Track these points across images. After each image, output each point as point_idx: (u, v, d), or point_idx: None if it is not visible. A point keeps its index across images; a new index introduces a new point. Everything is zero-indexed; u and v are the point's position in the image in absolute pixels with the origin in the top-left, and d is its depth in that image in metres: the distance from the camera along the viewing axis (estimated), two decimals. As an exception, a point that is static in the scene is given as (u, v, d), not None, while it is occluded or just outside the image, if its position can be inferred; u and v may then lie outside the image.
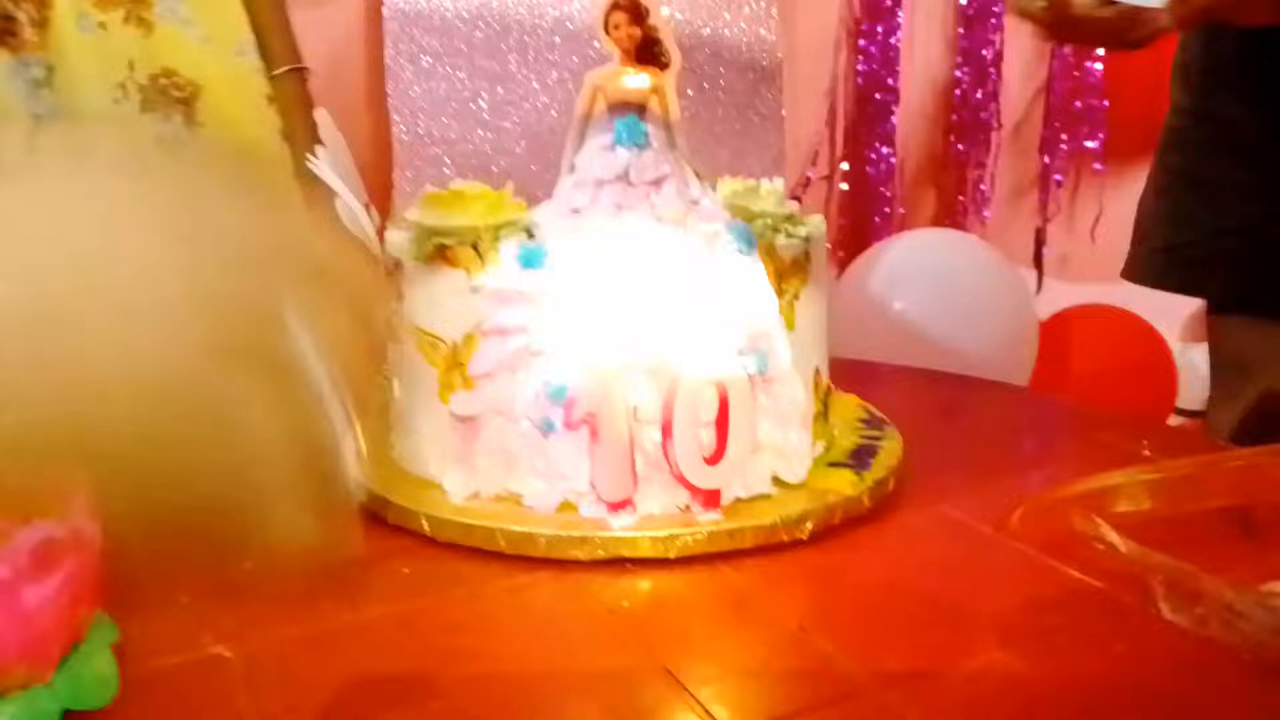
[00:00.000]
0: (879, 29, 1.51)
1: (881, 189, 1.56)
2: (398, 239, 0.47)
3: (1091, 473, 0.48)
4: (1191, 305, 1.78)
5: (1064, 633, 0.36)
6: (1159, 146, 0.78)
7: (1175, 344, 1.67)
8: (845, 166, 1.56)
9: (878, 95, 1.54)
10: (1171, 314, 1.66)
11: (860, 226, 1.56)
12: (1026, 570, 0.41)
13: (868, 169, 1.55)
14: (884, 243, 1.30)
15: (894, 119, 1.54)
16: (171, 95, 0.80)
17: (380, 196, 0.53)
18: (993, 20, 1.55)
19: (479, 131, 0.46)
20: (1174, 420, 1.46)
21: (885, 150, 1.56)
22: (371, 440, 0.52)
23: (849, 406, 0.57)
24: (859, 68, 1.53)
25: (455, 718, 0.32)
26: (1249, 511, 0.45)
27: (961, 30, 1.59)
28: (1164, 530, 0.43)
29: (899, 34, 1.52)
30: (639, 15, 0.42)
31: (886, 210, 1.56)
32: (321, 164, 0.50)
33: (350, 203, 0.49)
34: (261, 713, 0.32)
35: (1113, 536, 0.38)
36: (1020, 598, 0.39)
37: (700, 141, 0.46)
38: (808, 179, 1.56)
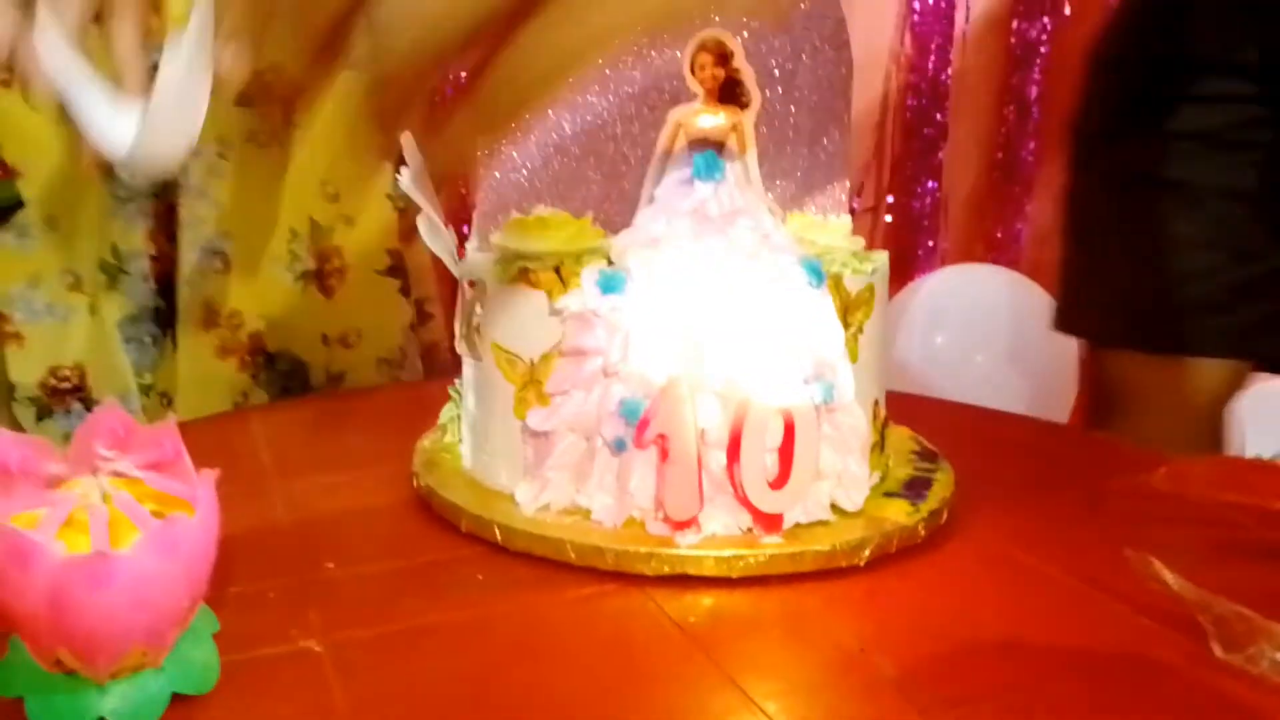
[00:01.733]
0: (930, 64, 1.53)
1: (925, 222, 1.57)
2: (479, 259, 0.49)
3: (1135, 514, 0.49)
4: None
5: (1117, 667, 0.38)
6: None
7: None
8: (891, 200, 1.58)
9: (926, 130, 1.56)
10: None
11: (904, 258, 1.57)
12: (1080, 605, 0.42)
13: (913, 202, 1.57)
14: (926, 276, 1.32)
15: (940, 154, 1.55)
16: None
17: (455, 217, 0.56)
18: (1038, 62, 1.57)
19: (559, 158, 0.49)
20: None
21: (931, 184, 1.57)
22: (440, 450, 0.54)
23: (902, 438, 0.58)
24: (909, 102, 1.55)
25: (536, 711, 0.34)
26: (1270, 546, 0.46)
27: (1009, 70, 1.61)
28: (1211, 569, 0.44)
29: (949, 70, 1.54)
30: (724, 57, 0.44)
31: (930, 243, 1.57)
32: (406, 180, 0.52)
33: (432, 217, 0.52)
34: (353, 703, 0.34)
35: (1167, 575, 0.39)
36: (1073, 632, 0.40)
37: (770, 176, 0.49)
38: (853, 210, 1.58)
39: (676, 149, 0.46)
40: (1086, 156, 0.87)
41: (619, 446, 0.44)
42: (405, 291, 0.82)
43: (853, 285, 0.48)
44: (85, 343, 0.71)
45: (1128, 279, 0.82)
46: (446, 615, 0.40)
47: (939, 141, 1.55)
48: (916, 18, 1.48)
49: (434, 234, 0.51)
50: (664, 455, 0.43)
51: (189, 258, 0.72)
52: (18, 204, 0.70)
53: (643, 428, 0.43)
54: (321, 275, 0.79)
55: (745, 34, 0.47)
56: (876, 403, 0.51)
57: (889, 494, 0.50)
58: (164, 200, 0.73)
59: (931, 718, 0.34)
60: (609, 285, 0.44)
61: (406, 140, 0.56)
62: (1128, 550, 0.42)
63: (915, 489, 0.51)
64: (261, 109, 0.73)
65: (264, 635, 0.38)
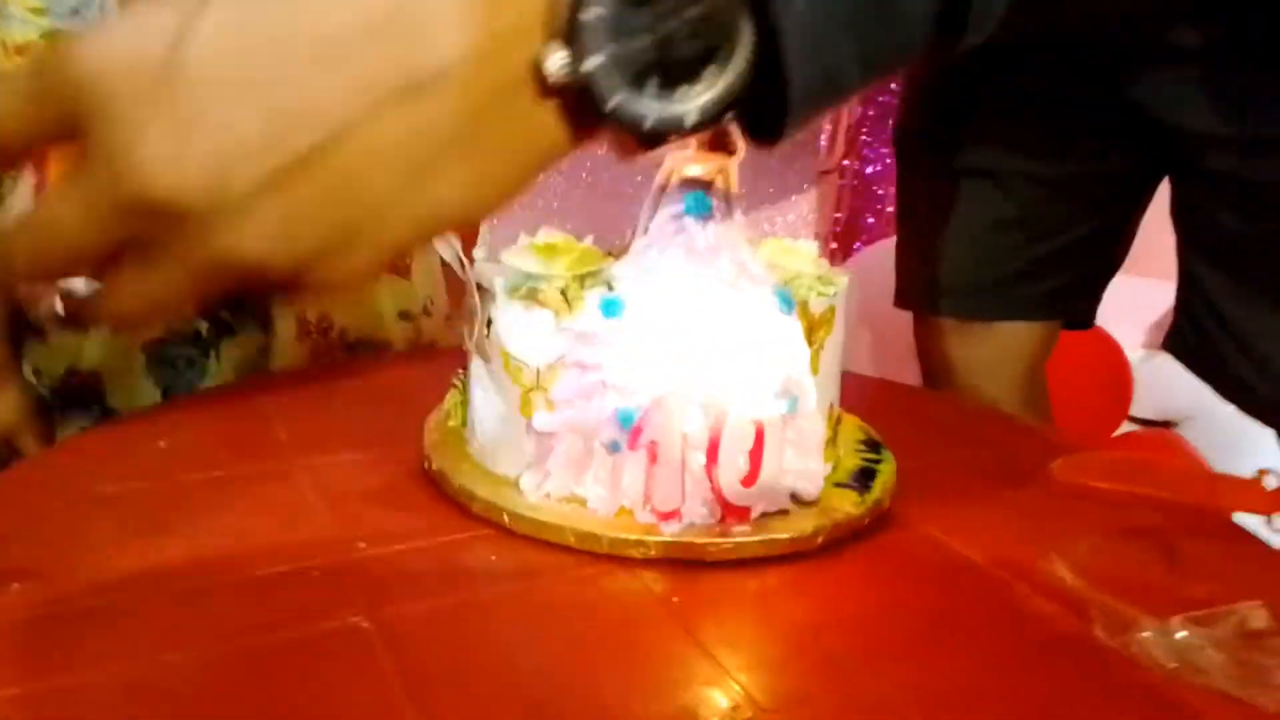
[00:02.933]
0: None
1: (877, 188, 1.64)
2: (489, 269, 0.55)
3: (1046, 502, 0.58)
4: (1155, 313, 1.89)
5: (1018, 642, 0.46)
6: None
7: (1138, 351, 1.78)
8: (846, 163, 1.65)
9: (880, 98, 1.63)
10: (1133, 320, 1.77)
11: (855, 221, 1.65)
12: (992, 589, 0.51)
13: (867, 169, 1.64)
14: (874, 247, 1.40)
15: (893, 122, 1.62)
16: None
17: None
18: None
19: (564, 187, 0.54)
20: (1127, 427, 1.58)
21: (884, 151, 1.64)
22: (447, 433, 0.61)
23: (850, 428, 0.66)
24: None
25: (553, 678, 0.42)
26: (1172, 545, 0.55)
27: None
28: (1104, 557, 0.53)
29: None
30: (728, 136, 0.50)
31: (878, 208, 1.65)
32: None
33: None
34: (404, 674, 0.41)
35: (1061, 568, 0.48)
36: (984, 612, 0.49)
37: (745, 206, 0.55)
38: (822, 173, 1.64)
39: (670, 186, 0.52)
40: (908, 152, 0.99)
41: (614, 448, 0.51)
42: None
43: (817, 307, 0.55)
44: (102, 349, 0.75)
45: (948, 258, 0.94)
46: (470, 593, 0.48)
47: (892, 109, 1.62)
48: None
49: (445, 247, 0.57)
50: (653, 458, 0.50)
51: None
52: None
53: (636, 434, 0.50)
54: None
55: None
56: (832, 405, 0.59)
57: (839, 484, 0.58)
58: None
59: (872, 682, 0.43)
60: (609, 309, 0.51)
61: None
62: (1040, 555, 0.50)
63: (862, 479, 0.59)
64: None
65: (314, 612, 0.45)
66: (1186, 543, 0.57)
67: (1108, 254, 0.96)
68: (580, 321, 0.51)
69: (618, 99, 0.25)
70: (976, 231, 0.93)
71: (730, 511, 0.52)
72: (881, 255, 1.37)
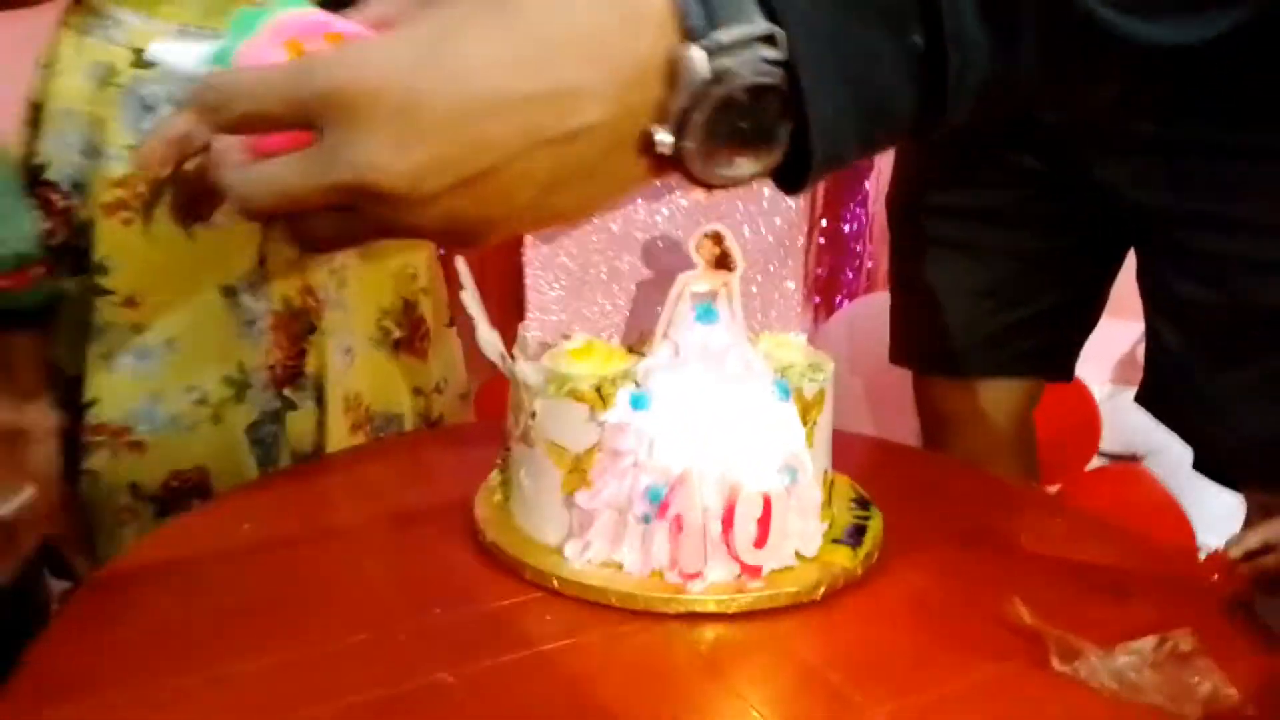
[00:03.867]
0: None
1: (854, 245, 1.76)
2: (528, 368, 0.65)
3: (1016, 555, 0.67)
4: (1120, 351, 2.00)
5: (992, 670, 0.56)
6: None
7: (1105, 387, 1.88)
8: (824, 223, 1.76)
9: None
10: (1099, 358, 1.87)
11: (834, 277, 1.76)
12: (971, 629, 0.61)
13: (843, 225, 1.75)
14: (862, 301, 1.51)
15: (867, 183, 1.74)
16: None
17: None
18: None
19: (599, 299, 0.65)
20: (1098, 462, 1.68)
21: (859, 210, 1.76)
22: (496, 510, 0.70)
23: (843, 488, 0.76)
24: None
25: (609, 713, 0.51)
26: (1117, 584, 0.65)
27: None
28: (1063, 602, 0.63)
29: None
30: (720, 240, 0.60)
31: (856, 264, 1.76)
32: (469, 298, 0.68)
33: (484, 327, 0.67)
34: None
35: (1024, 612, 0.57)
36: (963, 649, 0.59)
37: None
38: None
39: (683, 299, 0.62)
40: (899, 224, 1.10)
41: (645, 520, 0.61)
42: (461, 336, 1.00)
43: (809, 391, 0.65)
44: (207, 448, 0.85)
45: (936, 322, 1.05)
46: (534, 649, 0.57)
47: (865, 171, 1.74)
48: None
49: (487, 341, 0.67)
50: (679, 527, 0.60)
51: (336, 361, 0.87)
52: (59, 299, 0.77)
53: (664, 507, 0.60)
54: (412, 341, 0.95)
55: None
56: (826, 471, 0.69)
57: (835, 540, 0.67)
58: (288, 317, 0.87)
59: (870, 708, 0.52)
60: (638, 403, 0.60)
61: (461, 265, 0.72)
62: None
63: (854, 535, 0.69)
64: None
65: (405, 671, 0.54)
66: (1130, 582, 0.67)
67: (1081, 317, 1.06)
68: (613, 414, 0.61)
69: (699, 167, 0.37)
70: (960, 298, 1.03)
71: (745, 570, 0.61)
72: (872, 308, 1.48)
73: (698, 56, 0.35)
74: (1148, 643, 0.57)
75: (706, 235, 0.61)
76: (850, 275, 1.75)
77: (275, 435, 0.89)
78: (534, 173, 0.37)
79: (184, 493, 0.86)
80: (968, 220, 1.02)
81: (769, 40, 0.35)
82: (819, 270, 1.79)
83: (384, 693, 0.52)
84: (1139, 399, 0.99)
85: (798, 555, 0.64)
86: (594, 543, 0.63)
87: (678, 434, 0.60)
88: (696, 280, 0.62)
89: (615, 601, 0.60)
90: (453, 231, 0.38)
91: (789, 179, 0.40)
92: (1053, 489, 1.60)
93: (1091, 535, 0.76)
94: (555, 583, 0.62)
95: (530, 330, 0.70)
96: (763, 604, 0.61)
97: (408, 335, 0.96)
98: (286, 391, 0.88)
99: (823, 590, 0.62)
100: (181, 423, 0.85)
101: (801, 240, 1.70)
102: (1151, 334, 0.97)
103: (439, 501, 0.75)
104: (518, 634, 0.58)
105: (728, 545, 0.61)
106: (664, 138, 0.36)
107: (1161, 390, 0.96)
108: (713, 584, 0.61)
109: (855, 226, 1.74)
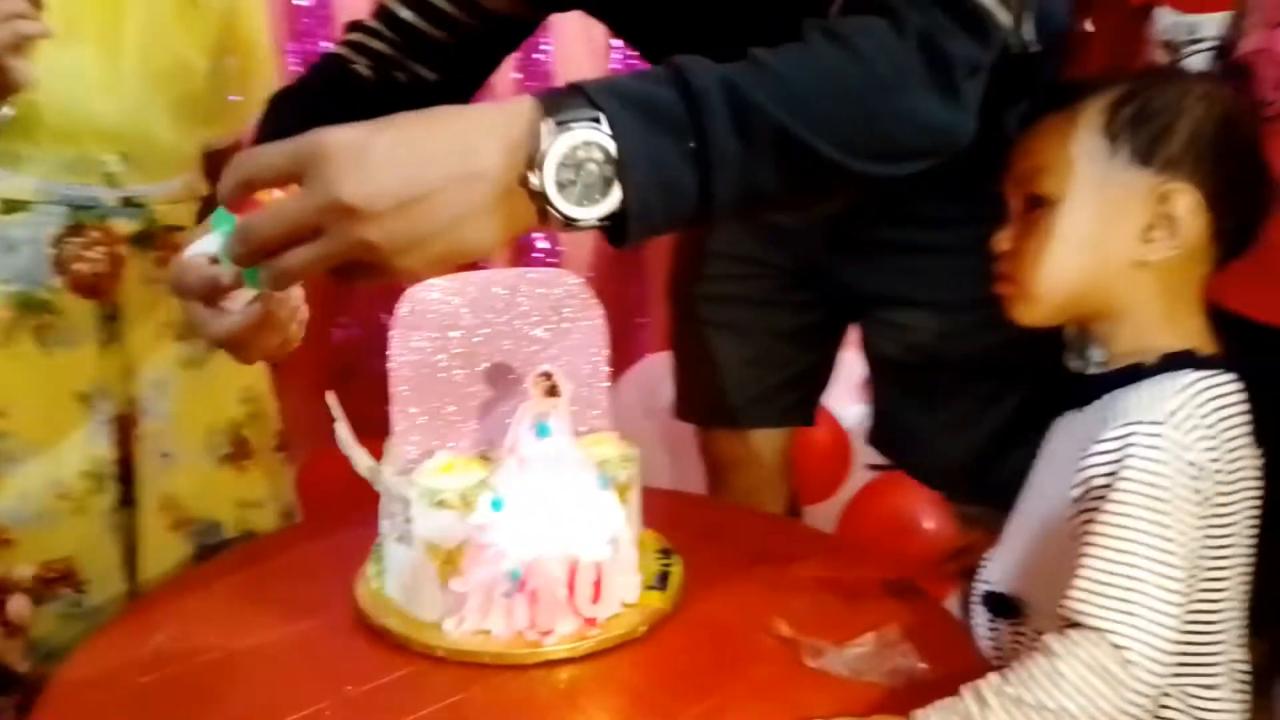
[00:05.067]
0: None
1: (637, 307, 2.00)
2: (398, 482, 0.82)
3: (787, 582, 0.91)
4: (859, 375, 2.34)
5: (764, 670, 0.79)
6: None
7: (857, 407, 2.20)
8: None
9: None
10: (845, 382, 2.19)
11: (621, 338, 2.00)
12: (755, 643, 0.83)
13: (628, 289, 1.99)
14: (639, 365, 1.75)
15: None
16: None
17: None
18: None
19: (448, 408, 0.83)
20: (867, 475, 1.97)
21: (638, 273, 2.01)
22: (375, 596, 0.86)
23: (650, 541, 0.97)
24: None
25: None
26: (853, 586, 0.90)
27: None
28: (816, 612, 0.87)
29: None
30: (549, 376, 0.80)
31: (641, 320, 2.00)
32: (340, 430, 0.84)
33: (356, 454, 0.84)
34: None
35: (784, 627, 0.81)
36: (750, 658, 0.81)
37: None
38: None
39: (525, 419, 0.82)
40: (677, 306, 1.36)
41: (507, 595, 0.79)
42: (290, 460, 1.12)
43: (622, 478, 0.86)
44: (74, 539, 0.95)
45: (710, 384, 1.31)
46: (431, 706, 0.74)
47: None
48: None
49: (363, 465, 0.83)
50: (535, 599, 0.79)
51: (150, 464, 0.98)
52: None
53: (522, 585, 0.79)
54: (237, 458, 1.07)
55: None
56: (638, 534, 0.90)
57: (649, 587, 0.89)
58: (123, 425, 0.98)
59: (694, 706, 0.73)
60: (496, 506, 0.79)
61: (331, 399, 0.87)
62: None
63: (662, 580, 0.90)
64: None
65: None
66: (860, 588, 0.92)
67: (823, 376, 1.35)
68: (477, 517, 0.79)
69: (557, 206, 0.59)
70: (730, 367, 1.28)
71: (586, 622, 0.81)
72: (656, 366, 1.73)
73: (547, 125, 0.58)
74: (869, 637, 0.81)
75: (540, 374, 0.80)
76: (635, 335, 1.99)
77: (130, 522, 1.01)
78: (451, 203, 0.58)
79: (54, 582, 0.96)
80: (733, 304, 1.27)
81: (595, 120, 0.58)
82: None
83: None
84: (869, 440, 1.28)
85: (623, 604, 0.85)
86: (467, 617, 0.80)
87: (528, 527, 0.79)
88: (534, 407, 0.81)
89: (489, 660, 0.79)
90: (396, 248, 0.58)
91: (619, 237, 0.61)
92: (828, 503, 1.91)
93: (833, 554, 1.01)
94: (440, 652, 0.79)
95: (396, 445, 0.86)
96: (601, 646, 0.81)
97: (233, 452, 1.10)
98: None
99: (644, 629, 0.83)
100: (45, 517, 0.96)
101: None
102: (871, 386, 1.26)
103: (320, 592, 0.90)
104: (416, 696, 0.75)
105: (572, 606, 0.80)
106: (533, 178, 0.58)
107: (883, 431, 1.25)
108: (562, 636, 0.80)
109: (639, 290, 1.99)
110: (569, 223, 0.59)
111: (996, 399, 1.12)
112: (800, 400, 1.33)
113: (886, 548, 1.51)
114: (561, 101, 0.59)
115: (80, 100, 0.96)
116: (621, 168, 0.58)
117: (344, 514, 1.01)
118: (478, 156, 0.58)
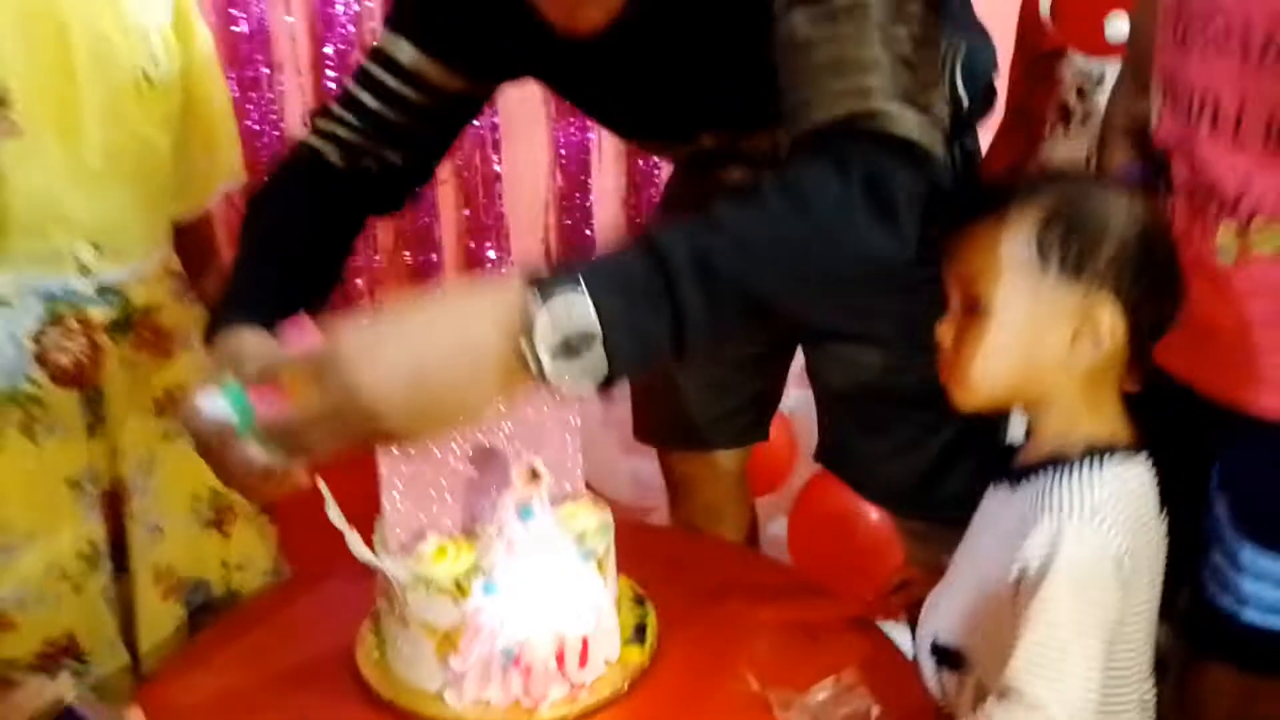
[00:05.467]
0: (576, 196, 1.99)
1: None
2: (398, 568, 0.88)
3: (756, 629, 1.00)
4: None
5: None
6: None
7: (802, 409, 2.29)
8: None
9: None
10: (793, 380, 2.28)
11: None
12: (729, 692, 0.92)
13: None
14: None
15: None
16: None
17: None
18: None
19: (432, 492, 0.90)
20: (812, 468, 2.07)
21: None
22: (377, 666, 0.93)
23: (625, 588, 1.05)
24: (566, 222, 1.99)
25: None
26: (817, 643, 0.99)
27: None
28: (780, 661, 0.96)
29: (591, 197, 2.00)
30: (535, 470, 0.87)
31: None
32: (333, 513, 0.90)
33: (355, 543, 0.89)
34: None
35: (751, 678, 0.89)
36: (724, 708, 0.90)
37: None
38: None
39: (509, 503, 0.88)
40: None
41: (504, 669, 0.87)
42: (274, 521, 1.17)
43: (600, 548, 0.93)
44: (73, 615, 0.99)
45: (670, 408, 1.39)
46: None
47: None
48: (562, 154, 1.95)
49: (357, 548, 0.89)
50: (528, 672, 0.86)
51: (141, 537, 1.03)
52: None
53: (516, 660, 0.86)
54: (220, 523, 1.11)
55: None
56: (615, 599, 0.98)
57: (627, 641, 0.96)
58: (111, 501, 1.02)
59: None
60: (488, 589, 0.86)
61: (321, 484, 0.93)
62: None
63: (639, 633, 0.98)
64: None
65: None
66: (818, 628, 1.01)
67: (773, 398, 1.44)
68: (471, 601, 0.86)
69: (550, 375, 0.67)
70: (688, 393, 1.36)
71: (575, 687, 0.89)
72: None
73: (536, 299, 0.65)
74: (829, 681, 0.90)
75: (525, 466, 0.87)
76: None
77: (125, 593, 1.06)
78: (452, 381, 0.66)
79: (56, 657, 1.01)
80: None
81: (578, 291, 0.65)
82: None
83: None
84: (816, 458, 1.37)
85: (606, 662, 0.93)
86: (467, 689, 0.88)
87: (519, 607, 0.86)
88: (518, 494, 0.87)
89: (490, 730, 0.86)
90: (408, 429, 0.67)
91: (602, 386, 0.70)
92: (778, 495, 2.02)
93: (793, 592, 1.10)
94: (446, 722, 0.87)
95: (387, 527, 0.92)
96: (590, 707, 0.89)
97: (216, 518, 1.14)
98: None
99: (626, 684, 0.91)
100: (47, 599, 1.00)
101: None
102: (819, 412, 1.35)
103: (317, 658, 0.96)
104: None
105: (562, 673, 0.88)
106: (524, 345, 0.66)
107: (830, 451, 1.34)
108: (554, 701, 0.88)
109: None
110: (558, 389, 0.67)
111: (939, 426, 1.21)
112: (757, 419, 1.42)
113: (839, 571, 1.61)
114: (546, 278, 0.66)
115: (45, 191, 0.98)
116: (604, 331, 0.65)
117: (330, 560, 1.07)
118: (474, 335, 0.66)
